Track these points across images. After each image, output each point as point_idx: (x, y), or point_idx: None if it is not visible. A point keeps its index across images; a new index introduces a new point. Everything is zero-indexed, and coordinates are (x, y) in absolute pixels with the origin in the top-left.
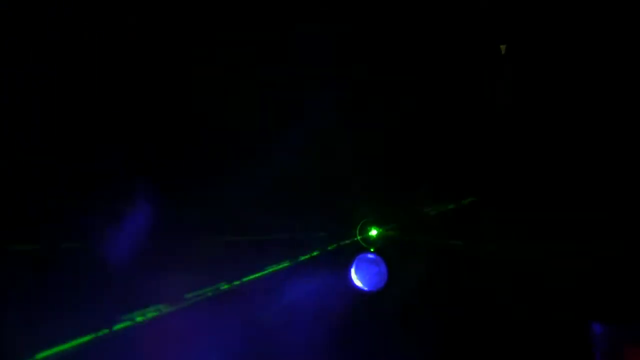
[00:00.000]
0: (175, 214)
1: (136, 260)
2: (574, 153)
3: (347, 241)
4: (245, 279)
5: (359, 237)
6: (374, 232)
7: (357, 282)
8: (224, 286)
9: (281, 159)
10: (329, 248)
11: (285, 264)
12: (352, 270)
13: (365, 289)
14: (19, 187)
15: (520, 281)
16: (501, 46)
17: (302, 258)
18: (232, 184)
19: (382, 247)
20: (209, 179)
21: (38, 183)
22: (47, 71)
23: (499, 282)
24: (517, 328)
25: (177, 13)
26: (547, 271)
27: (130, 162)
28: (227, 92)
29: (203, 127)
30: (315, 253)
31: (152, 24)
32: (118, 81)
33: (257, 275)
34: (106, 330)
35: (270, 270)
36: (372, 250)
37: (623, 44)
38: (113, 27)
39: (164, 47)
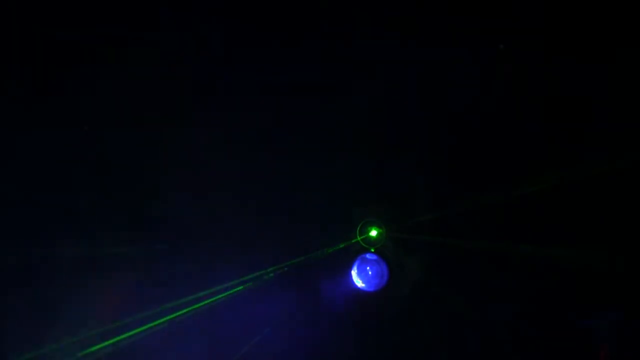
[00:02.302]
0: (175, 215)
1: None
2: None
3: (348, 242)
4: (245, 281)
5: (359, 238)
6: (374, 233)
7: (358, 283)
8: (225, 287)
9: (282, 161)
10: (331, 249)
11: (287, 265)
12: (353, 271)
13: (367, 289)
14: None
15: (521, 279)
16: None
17: (304, 259)
18: (231, 185)
19: (382, 247)
20: (209, 181)
21: None
22: None
23: (500, 281)
24: (516, 327)
25: None
26: (547, 269)
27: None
28: (228, 93)
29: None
30: (316, 254)
31: None
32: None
33: (258, 276)
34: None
35: (272, 271)
36: (372, 250)
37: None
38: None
39: None
